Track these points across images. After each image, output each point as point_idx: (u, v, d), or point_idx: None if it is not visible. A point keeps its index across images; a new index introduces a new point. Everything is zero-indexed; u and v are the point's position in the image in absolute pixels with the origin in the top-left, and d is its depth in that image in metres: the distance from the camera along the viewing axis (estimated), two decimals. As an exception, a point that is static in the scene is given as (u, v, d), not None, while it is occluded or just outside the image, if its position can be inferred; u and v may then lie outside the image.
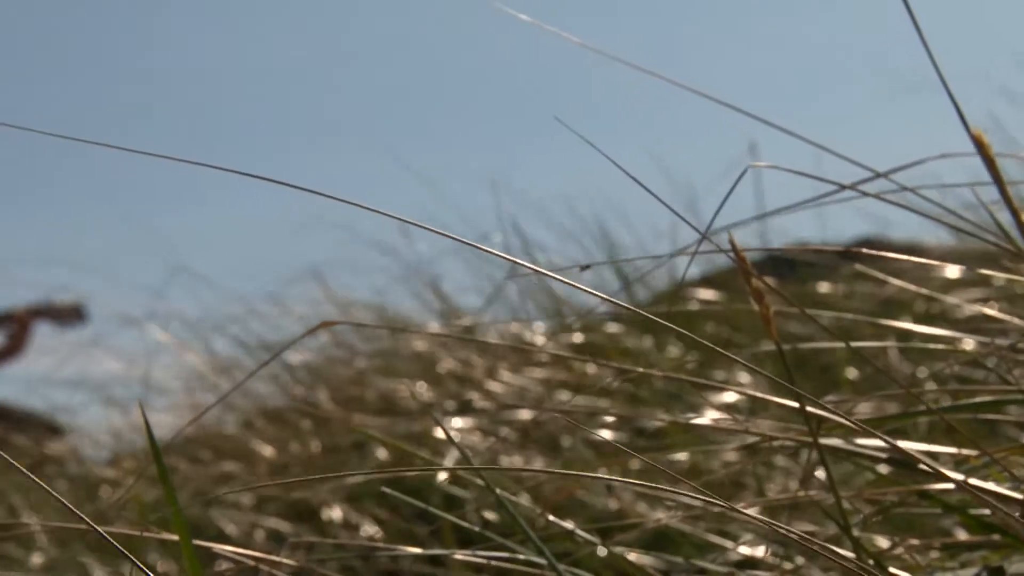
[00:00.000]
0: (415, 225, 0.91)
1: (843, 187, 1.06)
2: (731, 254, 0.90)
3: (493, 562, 1.16)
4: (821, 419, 1.05)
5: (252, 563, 1.07)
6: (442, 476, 2.17)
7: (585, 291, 0.91)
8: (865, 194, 1.06)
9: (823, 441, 1.07)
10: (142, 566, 0.98)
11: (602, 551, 1.32)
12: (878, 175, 1.08)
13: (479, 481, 1.86)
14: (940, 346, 1.47)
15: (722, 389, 1.81)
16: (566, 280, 0.92)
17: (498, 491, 0.94)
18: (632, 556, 1.31)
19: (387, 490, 1.72)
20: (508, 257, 0.92)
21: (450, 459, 2.26)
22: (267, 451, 2.90)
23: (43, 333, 5.88)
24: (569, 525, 1.29)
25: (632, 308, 0.94)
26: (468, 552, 1.13)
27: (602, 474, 1.98)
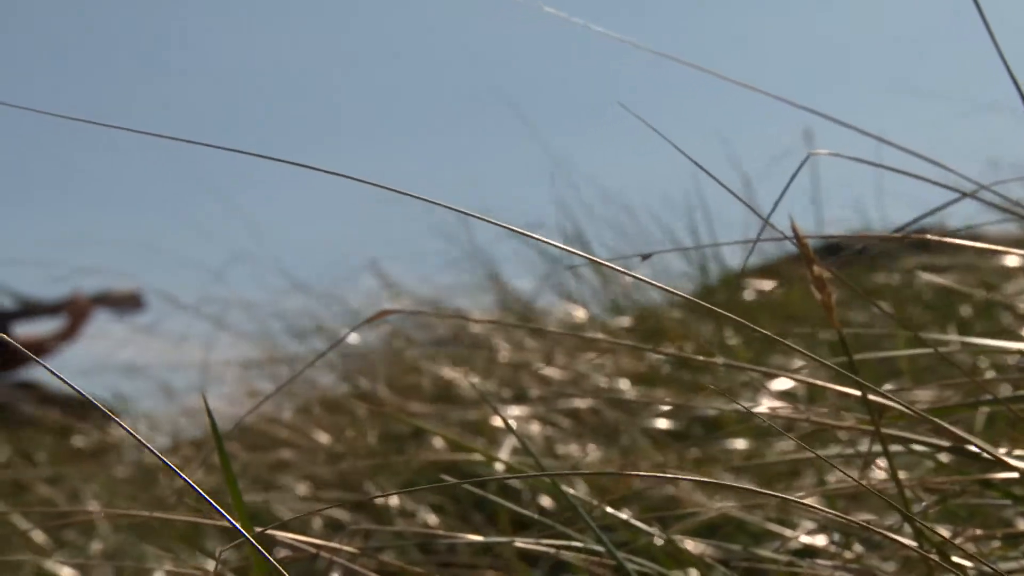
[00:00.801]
0: (473, 216, 0.91)
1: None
2: (793, 241, 0.90)
3: (552, 550, 1.16)
4: (883, 407, 1.05)
5: (312, 550, 1.08)
6: (499, 465, 2.18)
7: (642, 280, 0.91)
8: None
9: (884, 430, 1.06)
10: (203, 552, 0.98)
11: (659, 540, 1.32)
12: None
13: (534, 470, 1.86)
14: (1003, 343, 1.46)
15: (780, 376, 1.80)
16: (622, 270, 0.92)
17: (556, 481, 0.93)
18: (690, 545, 1.30)
19: (447, 477, 1.72)
20: (565, 247, 0.92)
21: (506, 448, 2.26)
22: (324, 439, 2.91)
23: (101, 320, 5.93)
24: (625, 514, 1.29)
25: (688, 297, 0.93)
26: (529, 540, 1.13)
27: (658, 463, 1.98)
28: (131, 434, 0.79)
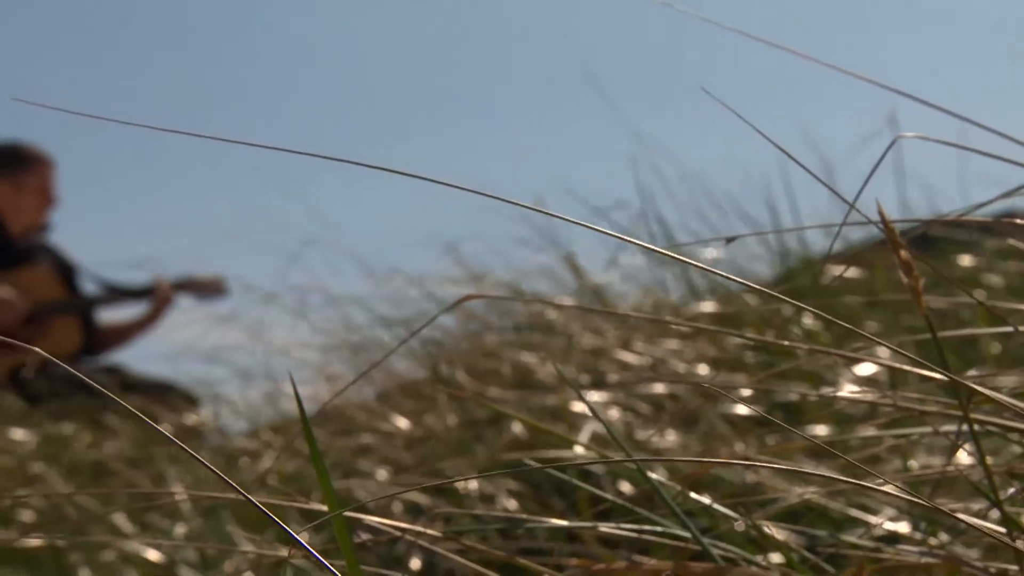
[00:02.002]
0: (546, 214, 0.91)
1: None
2: (879, 225, 0.89)
3: (636, 535, 1.16)
4: (970, 391, 1.04)
5: (396, 532, 1.08)
6: (579, 450, 2.18)
7: (719, 273, 0.90)
8: None
9: (972, 415, 1.05)
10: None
11: (741, 525, 1.31)
12: None
13: (616, 456, 1.86)
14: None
15: (863, 361, 1.79)
16: (695, 261, 0.92)
17: (640, 466, 0.93)
18: (773, 531, 1.30)
19: (531, 462, 1.72)
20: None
21: (586, 433, 2.26)
22: (403, 424, 2.92)
23: (184, 306, 5.99)
24: (708, 499, 1.28)
25: (766, 285, 0.93)
26: (612, 525, 1.13)
27: (738, 449, 1.97)
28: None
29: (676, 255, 0.88)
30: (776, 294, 0.86)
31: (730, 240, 0.99)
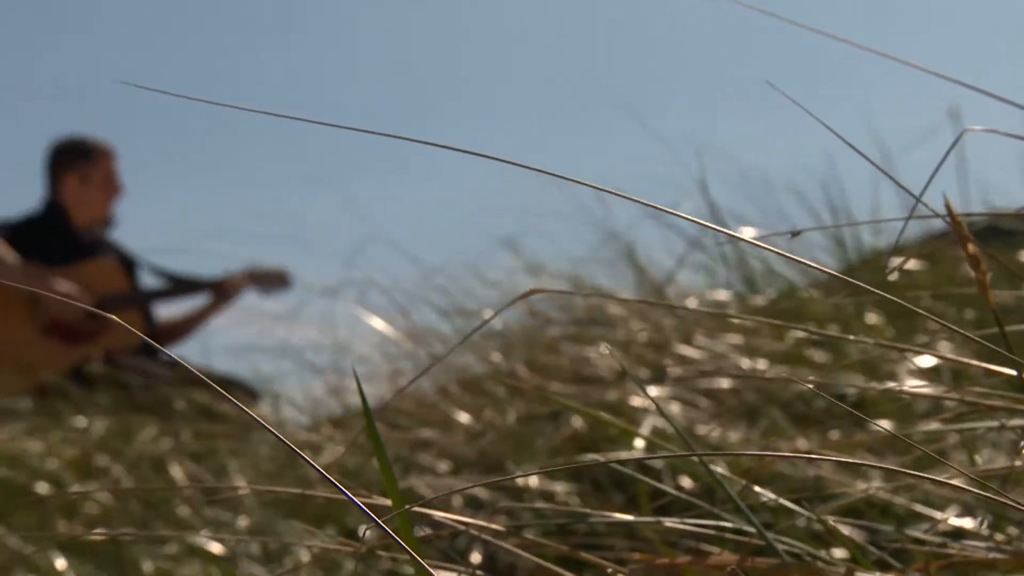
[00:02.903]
0: (610, 192, 0.91)
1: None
2: (947, 219, 0.88)
3: (697, 530, 1.16)
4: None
5: (459, 527, 1.09)
6: (639, 444, 2.17)
7: (791, 258, 0.90)
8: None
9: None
10: (346, 529, 0.99)
11: (802, 520, 1.30)
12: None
13: (677, 451, 1.85)
14: None
15: (925, 355, 1.77)
16: (765, 247, 0.91)
17: (704, 460, 0.93)
18: (835, 526, 1.29)
19: (596, 456, 1.72)
20: (707, 223, 0.92)
21: (646, 428, 2.25)
22: (463, 418, 2.93)
23: (247, 300, 6.02)
24: (770, 495, 1.28)
25: (834, 274, 0.92)
26: (675, 520, 1.12)
27: (800, 444, 1.96)
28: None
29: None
30: (850, 280, 0.85)
31: (796, 234, 0.99)
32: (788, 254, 0.92)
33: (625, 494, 2.25)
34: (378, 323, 3.80)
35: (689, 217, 0.93)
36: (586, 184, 0.95)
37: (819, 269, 0.86)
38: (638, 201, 0.93)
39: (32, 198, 6.13)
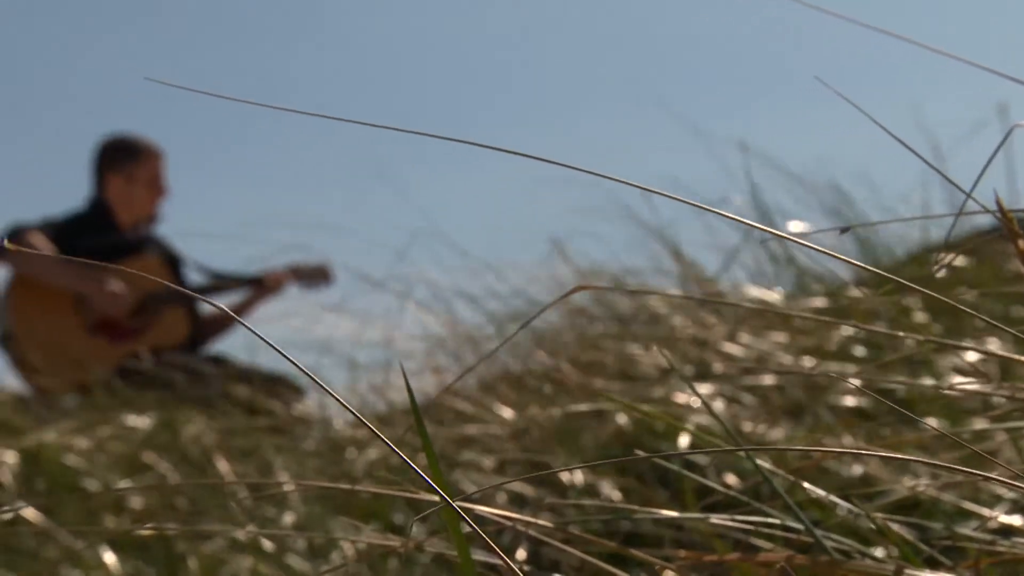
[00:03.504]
0: (657, 193, 0.91)
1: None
2: (997, 215, 0.88)
3: (744, 526, 1.15)
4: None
5: (506, 522, 1.09)
6: (683, 442, 2.17)
7: (829, 254, 0.89)
8: None
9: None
10: (391, 525, 0.99)
11: (849, 518, 1.30)
12: None
13: (722, 447, 1.85)
14: None
15: (973, 352, 1.76)
16: (810, 245, 0.91)
17: (752, 457, 0.93)
18: (886, 523, 1.28)
19: (640, 452, 1.72)
20: (750, 222, 0.91)
21: (691, 425, 2.25)
22: (507, 414, 2.93)
23: (290, 295, 6.04)
24: (819, 492, 1.27)
25: (880, 271, 0.92)
26: (723, 516, 1.12)
27: (847, 441, 1.96)
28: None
29: (782, 247, 0.88)
30: (894, 280, 0.85)
31: (845, 230, 0.98)
32: (834, 253, 0.92)
33: (669, 491, 2.25)
34: (423, 319, 3.81)
35: (733, 216, 0.93)
36: (631, 184, 0.95)
37: (867, 268, 0.85)
38: (685, 201, 0.93)
39: (79, 195, 6.17)
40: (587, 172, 0.95)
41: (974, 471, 0.85)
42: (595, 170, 0.95)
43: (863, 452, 0.76)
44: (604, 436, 2.51)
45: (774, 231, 0.94)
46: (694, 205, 0.89)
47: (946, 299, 0.84)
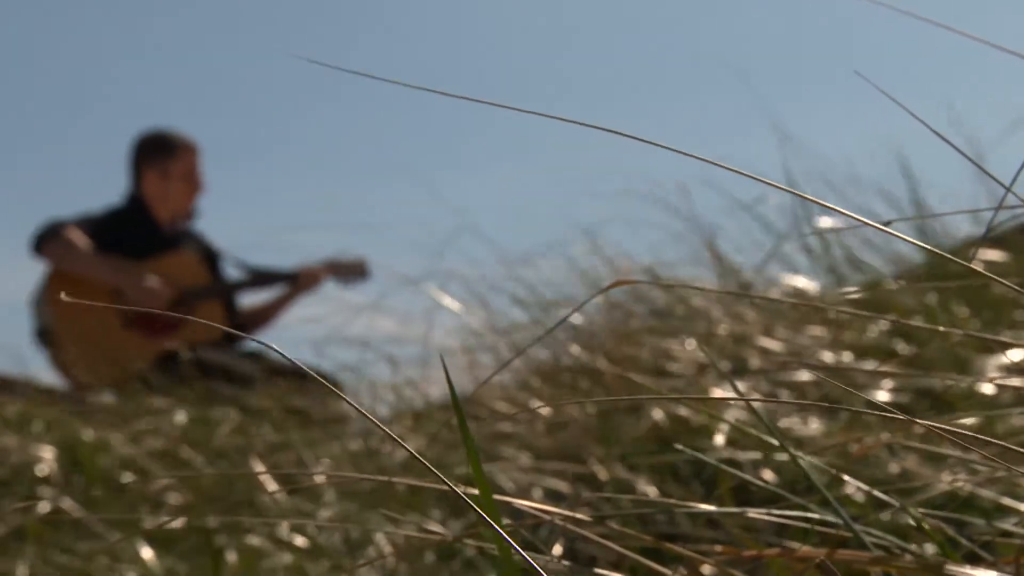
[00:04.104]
0: (720, 167, 0.91)
1: None
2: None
3: (781, 521, 1.15)
4: None
5: (546, 517, 1.09)
6: (719, 438, 2.16)
7: (900, 237, 0.89)
8: None
9: None
10: (427, 520, 1.00)
11: (887, 514, 1.29)
12: None
13: (756, 444, 1.84)
14: None
15: (1013, 348, 1.75)
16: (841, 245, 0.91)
17: (792, 452, 0.92)
18: (925, 518, 1.28)
19: (682, 447, 1.71)
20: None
21: (728, 419, 2.24)
22: (543, 409, 2.93)
23: (327, 291, 6.05)
24: (856, 487, 1.27)
25: (932, 249, 0.91)
26: (760, 511, 1.12)
27: (884, 437, 1.95)
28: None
29: (820, 241, 0.87)
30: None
31: (885, 224, 0.97)
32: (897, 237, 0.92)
33: (706, 486, 2.24)
34: (459, 314, 3.81)
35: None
36: (691, 155, 0.95)
37: (929, 248, 0.85)
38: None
39: (116, 191, 6.19)
40: (644, 141, 0.94)
41: (1013, 466, 0.85)
42: (650, 140, 0.94)
43: (916, 444, 0.75)
44: (640, 431, 2.50)
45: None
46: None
47: (997, 279, 0.83)
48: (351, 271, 5.97)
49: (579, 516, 1.15)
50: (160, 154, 6.03)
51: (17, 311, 6.04)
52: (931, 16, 1.08)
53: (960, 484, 1.46)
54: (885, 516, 1.31)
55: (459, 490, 1.20)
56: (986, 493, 1.52)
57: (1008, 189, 0.92)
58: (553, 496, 2.45)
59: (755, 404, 2.33)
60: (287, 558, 2.34)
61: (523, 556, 0.73)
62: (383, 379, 4.02)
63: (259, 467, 3.25)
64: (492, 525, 0.71)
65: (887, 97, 0.97)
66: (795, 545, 1.06)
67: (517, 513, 1.33)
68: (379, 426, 0.76)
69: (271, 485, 2.86)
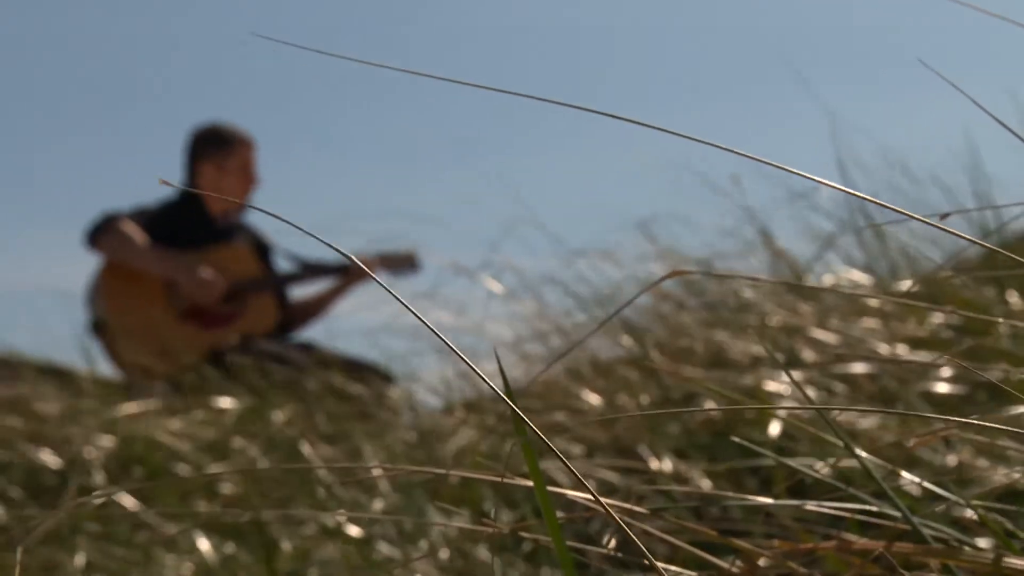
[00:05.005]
0: (767, 163, 0.90)
1: None
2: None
3: (839, 514, 1.14)
4: None
5: (601, 510, 1.08)
6: (774, 430, 2.15)
7: (956, 233, 0.88)
8: None
9: None
10: (484, 512, 1.00)
11: (942, 507, 1.28)
12: None
13: (814, 435, 1.83)
14: None
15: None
16: (896, 239, 0.90)
17: (849, 444, 0.92)
18: (984, 512, 1.27)
19: (740, 440, 1.71)
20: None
21: (781, 413, 2.23)
22: (595, 401, 2.92)
23: (379, 281, 6.05)
24: (916, 479, 1.26)
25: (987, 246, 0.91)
26: (817, 504, 1.11)
27: (940, 429, 1.93)
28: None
29: (876, 234, 0.86)
30: (990, 265, 0.83)
31: (944, 216, 0.97)
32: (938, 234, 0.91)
33: (759, 478, 2.24)
34: (512, 306, 3.81)
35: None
36: (741, 153, 0.94)
37: (986, 245, 0.84)
38: (796, 171, 0.92)
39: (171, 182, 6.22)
40: (693, 139, 0.94)
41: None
42: (703, 139, 0.94)
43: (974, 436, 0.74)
44: (694, 424, 2.50)
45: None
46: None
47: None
48: (402, 263, 5.97)
49: (633, 508, 1.15)
50: (216, 148, 6.05)
51: (72, 303, 6.08)
52: (994, 8, 1.07)
53: (1017, 477, 1.45)
54: (941, 509, 1.30)
55: (512, 482, 1.20)
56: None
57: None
58: (606, 488, 2.45)
59: (809, 396, 2.32)
60: (341, 549, 2.35)
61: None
62: (436, 370, 4.03)
63: (313, 458, 3.26)
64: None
65: (951, 86, 0.97)
66: (852, 538, 1.05)
67: (570, 505, 1.33)
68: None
69: (325, 476, 2.87)
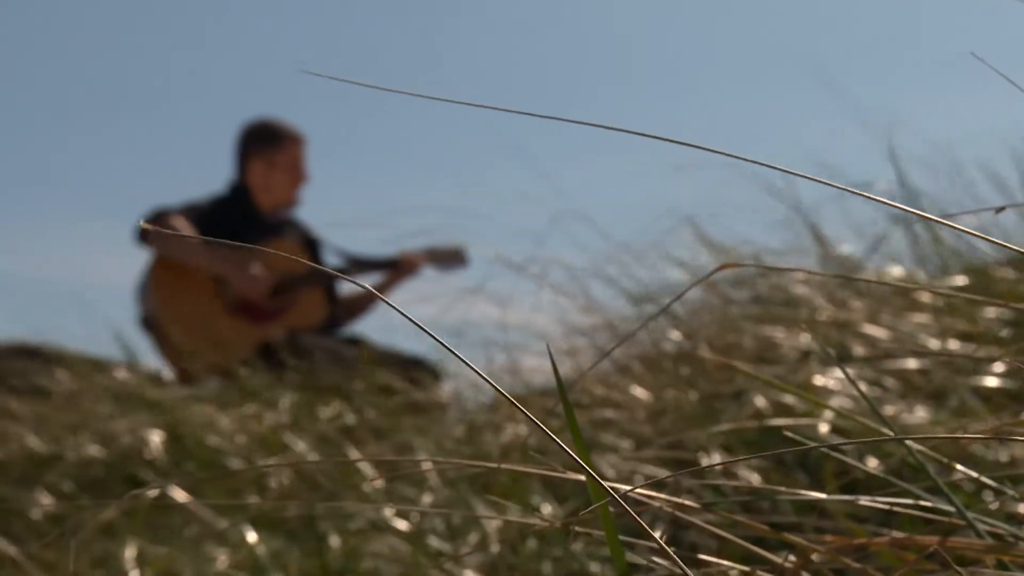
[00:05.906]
0: (800, 175, 0.90)
1: None
2: None
3: (891, 509, 1.14)
4: None
5: (656, 504, 1.08)
6: (823, 426, 2.14)
7: (976, 235, 0.88)
8: None
9: None
10: (533, 507, 0.99)
11: (995, 503, 1.28)
12: None
13: (865, 430, 1.82)
14: None
15: None
16: (955, 226, 0.89)
17: (903, 440, 0.91)
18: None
19: (794, 436, 1.70)
20: (894, 203, 0.90)
21: (833, 406, 2.22)
22: (644, 396, 2.92)
23: (426, 278, 6.07)
24: (973, 473, 1.25)
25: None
26: (869, 498, 1.11)
27: (992, 424, 1.92)
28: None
29: (928, 229, 0.86)
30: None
31: (1000, 210, 0.96)
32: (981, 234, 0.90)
33: (809, 474, 2.23)
34: (559, 301, 3.81)
35: (873, 198, 0.91)
36: (772, 166, 0.94)
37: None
38: (830, 184, 0.91)
39: (221, 180, 6.26)
40: (723, 154, 0.94)
41: None
42: (732, 152, 0.94)
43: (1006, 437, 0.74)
44: (743, 418, 2.49)
45: (921, 213, 0.92)
46: (839, 188, 0.88)
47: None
48: (450, 258, 5.98)
49: (684, 503, 1.14)
50: (266, 144, 6.08)
51: (123, 298, 6.13)
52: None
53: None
54: (994, 504, 1.29)
55: (565, 475, 1.20)
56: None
57: None
58: (655, 482, 2.44)
59: (862, 390, 2.30)
60: (390, 543, 2.35)
61: (629, 541, 0.73)
62: (484, 364, 4.03)
63: (361, 452, 3.27)
64: (604, 509, 0.71)
65: (1004, 80, 0.96)
66: (903, 534, 1.05)
67: (622, 498, 1.32)
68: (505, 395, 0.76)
69: (374, 470, 2.88)
